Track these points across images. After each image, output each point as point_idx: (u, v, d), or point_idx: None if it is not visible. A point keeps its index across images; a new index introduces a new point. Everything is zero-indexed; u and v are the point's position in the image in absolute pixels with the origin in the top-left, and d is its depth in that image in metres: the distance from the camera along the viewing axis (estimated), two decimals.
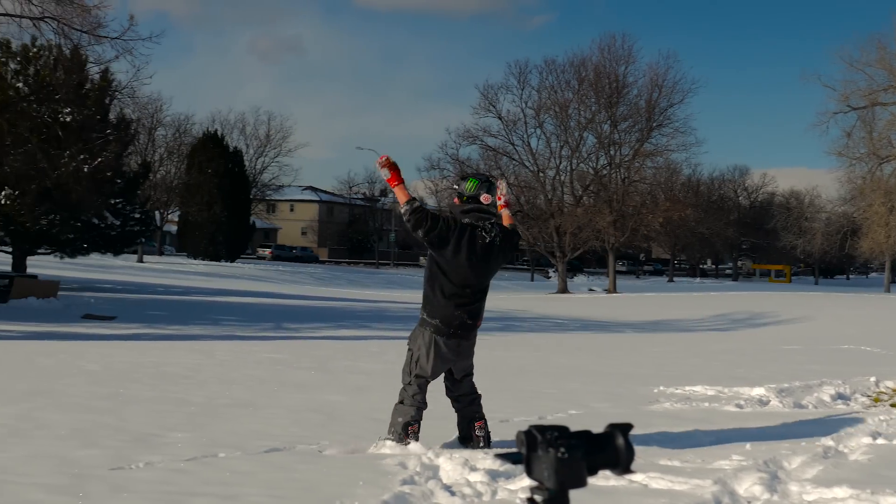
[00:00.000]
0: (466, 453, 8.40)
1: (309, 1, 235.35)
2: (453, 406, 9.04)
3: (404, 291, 63.09)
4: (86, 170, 36.01)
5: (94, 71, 38.70)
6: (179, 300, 38.17)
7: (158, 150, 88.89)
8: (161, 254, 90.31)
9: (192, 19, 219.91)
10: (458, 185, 8.93)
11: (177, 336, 23.41)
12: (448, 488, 7.32)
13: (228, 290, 48.40)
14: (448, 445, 8.82)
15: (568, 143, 77.87)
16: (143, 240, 59.41)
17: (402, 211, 8.58)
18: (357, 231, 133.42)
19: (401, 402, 8.78)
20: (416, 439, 8.63)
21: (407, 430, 8.63)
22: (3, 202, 35.47)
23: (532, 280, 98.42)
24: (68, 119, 36.26)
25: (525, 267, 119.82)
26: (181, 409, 11.17)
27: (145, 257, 77.34)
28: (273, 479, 7.52)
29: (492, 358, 20.35)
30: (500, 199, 9.20)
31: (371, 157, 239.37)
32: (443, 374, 8.89)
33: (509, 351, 22.64)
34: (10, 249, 39.76)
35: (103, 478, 7.43)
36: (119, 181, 42.06)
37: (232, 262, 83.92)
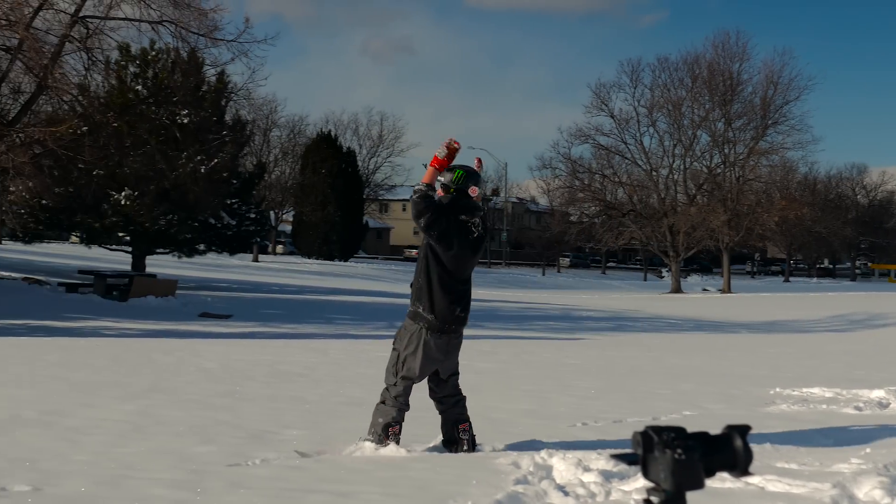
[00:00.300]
0: (580, 453, 8.34)
1: (420, 2, 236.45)
2: (437, 408, 8.74)
3: (516, 291, 63.01)
4: (202, 170, 36.64)
5: (210, 73, 39.32)
6: (294, 299, 38.58)
7: (273, 150, 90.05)
8: (275, 253, 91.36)
9: (307, 21, 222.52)
10: (443, 177, 8.46)
11: (291, 334, 23.67)
12: (561, 488, 7.29)
13: (341, 289, 48.81)
14: (433, 449, 8.71)
15: (681, 142, 77.14)
16: (259, 239, 60.15)
17: (415, 188, 8.36)
18: None
19: (382, 402, 8.50)
20: (397, 442, 8.46)
21: (388, 431, 8.41)
22: (123, 203, 36.22)
23: (645, 280, 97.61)
24: (185, 121, 36.93)
25: (638, 267, 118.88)
26: (296, 407, 11.29)
27: (260, 256, 78.31)
28: (387, 478, 7.56)
29: (604, 358, 20.24)
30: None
31: (483, 156, 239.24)
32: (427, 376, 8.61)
33: (621, 351, 22.48)
34: (130, 249, 40.57)
35: (220, 474, 7.54)
36: (235, 182, 42.67)
37: (345, 261, 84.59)
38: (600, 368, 17.74)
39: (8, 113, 31.22)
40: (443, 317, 8.36)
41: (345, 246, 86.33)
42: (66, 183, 33.65)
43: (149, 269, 39.74)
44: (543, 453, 8.27)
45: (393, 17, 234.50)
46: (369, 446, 8.38)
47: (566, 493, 7.18)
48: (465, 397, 8.75)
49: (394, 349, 8.59)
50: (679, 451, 2.09)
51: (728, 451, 2.17)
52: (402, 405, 8.47)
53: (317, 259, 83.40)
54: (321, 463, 8.12)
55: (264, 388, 12.97)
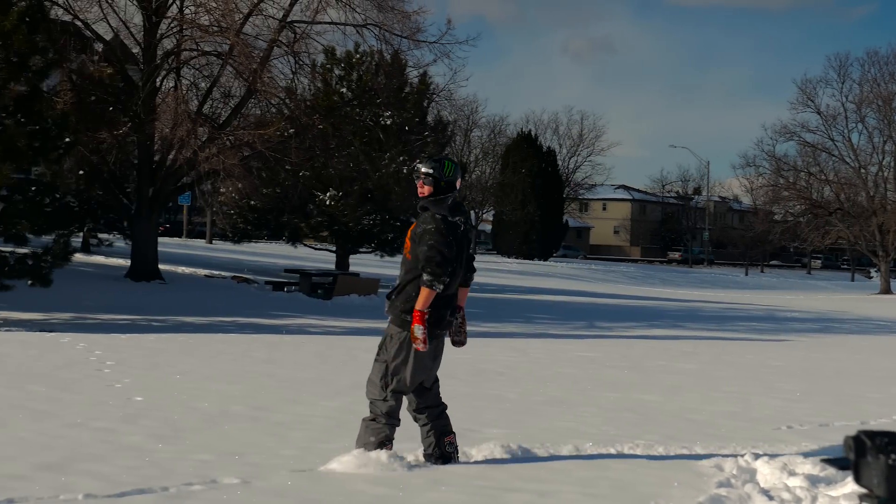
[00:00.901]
0: (784, 457, 8.17)
1: (621, 1, 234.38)
2: (417, 419, 7.96)
3: (717, 291, 61.96)
4: (405, 171, 37.09)
5: (413, 75, 39.78)
6: (494, 298, 38.74)
7: (474, 150, 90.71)
8: (475, 252, 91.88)
9: (508, 22, 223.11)
10: (433, 169, 7.72)
11: (492, 333, 23.76)
12: (766, 492, 7.16)
13: (541, 288, 48.81)
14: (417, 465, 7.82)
15: (892, 138, 74.65)
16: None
17: (437, 287, 7.48)
18: (670, 230, 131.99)
19: (373, 419, 7.74)
20: None
21: (381, 449, 7.71)
22: (328, 203, 37.00)
23: (852, 280, 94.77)
24: (389, 122, 37.49)
25: (845, 267, 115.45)
26: (496, 406, 11.35)
27: None
28: (587, 478, 7.54)
29: (809, 360, 19.75)
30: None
31: (684, 155, 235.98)
32: None
33: (827, 353, 21.89)
34: (334, 248, 41.42)
35: (421, 471, 7.64)
36: None
37: (545, 260, 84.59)
38: (805, 370, 17.32)
39: (219, 116, 32.23)
40: (435, 321, 7.65)
41: (544, 245, 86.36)
42: (274, 184, 34.57)
43: (352, 268, 40.49)
44: (747, 456, 8.13)
45: (593, 17, 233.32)
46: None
47: (770, 498, 7.05)
48: (446, 406, 8.08)
49: (378, 361, 7.79)
50: (893, 456, 2.03)
51: None
52: (396, 421, 7.80)
53: (516, 258, 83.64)
54: (520, 462, 8.15)
55: (464, 386, 13.06)
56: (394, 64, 36.17)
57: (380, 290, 32.86)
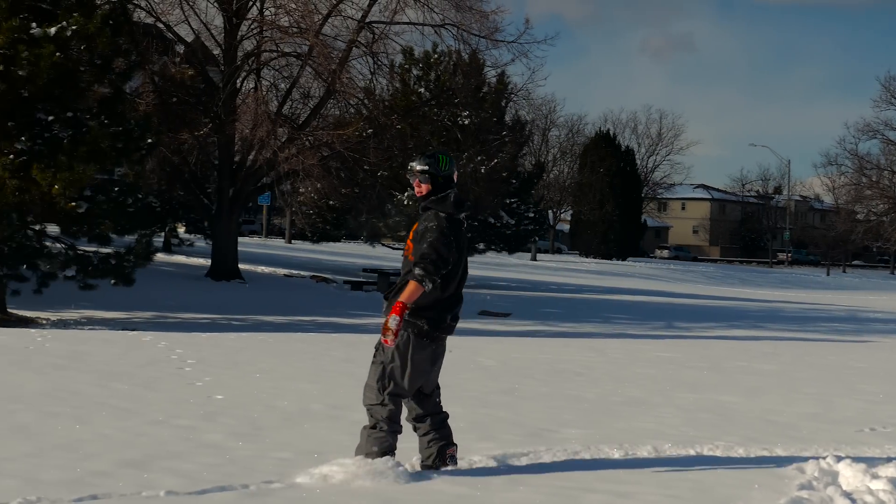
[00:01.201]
0: (868, 460, 8.06)
1: None
2: (417, 429, 7.49)
3: (798, 291, 61.24)
4: (482, 171, 37.17)
5: (491, 74, 39.87)
6: (572, 298, 38.64)
7: (552, 150, 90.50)
8: (553, 252, 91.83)
9: (586, 20, 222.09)
10: (429, 165, 7.28)
11: (570, 333, 23.71)
12: (848, 495, 7.07)
13: (620, 288, 48.57)
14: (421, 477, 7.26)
15: None
16: (538, 238, 60.52)
17: (427, 284, 6.98)
18: (750, 229, 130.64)
19: (373, 426, 7.21)
20: None
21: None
22: (406, 203, 37.15)
23: None
24: (466, 122, 37.57)
25: None
26: (575, 406, 11.31)
27: (538, 255, 78.80)
28: (666, 479, 7.49)
29: (893, 361, 19.47)
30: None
31: (764, 153, 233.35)
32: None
33: None
34: None
35: (499, 470, 7.65)
36: (514, 181, 43.13)
37: (623, 260, 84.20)
38: (888, 372, 17.06)
39: (298, 117, 32.50)
40: (435, 322, 7.21)
41: (623, 245, 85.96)
42: (352, 184, 34.82)
43: None
44: (829, 458, 8.03)
45: (673, 15, 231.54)
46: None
47: (853, 501, 6.97)
48: (448, 415, 7.58)
49: (375, 363, 7.30)
50: None
51: None
52: (398, 428, 7.27)
53: (594, 258, 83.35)
54: (598, 462, 8.12)
55: (543, 385, 13.04)
56: (472, 64, 36.23)
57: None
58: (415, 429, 7.47)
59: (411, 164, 7.45)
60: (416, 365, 7.17)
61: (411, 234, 7.30)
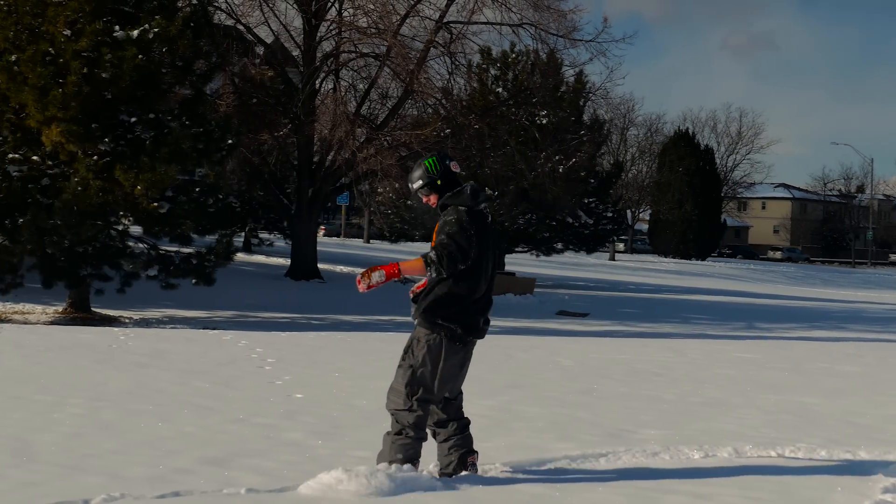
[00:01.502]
0: None
1: None
2: (438, 435, 7.17)
3: (882, 292, 60.32)
4: (560, 170, 37.09)
5: (569, 74, 39.78)
6: (650, 298, 38.43)
7: (630, 149, 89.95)
8: (632, 252, 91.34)
9: (665, 19, 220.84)
10: (421, 178, 7.03)
11: (648, 333, 23.59)
12: None
13: (699, 288, 48.20)
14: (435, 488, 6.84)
15: None
16: (615, 238, 60.26)
17: (432, 271, 6.75)
18: (831, 229, 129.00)
19: (399, 433, 6.91)
20: None
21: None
22: None
23: None
24: (544, 121, 37.49)
25: None
26: (653, 406, 11.25)
27: (616, 255, 78.42)
28: (747, 480, 7.42)
29: None
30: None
31: (847, 152, 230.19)
32: None
33: None
34: None
35: (577, 470, 7.63)
36: (592, 181, 42.99)
37: (702, 260, 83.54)
38: None
39: (376, 117, 32.65)
40: (469, 327, 6.96)
41: (702, 244, 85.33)
42: None
43: (508, 268, 40.59)
44: None
45: (754, 12, 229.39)
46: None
47: None
48: (469, 421, 7.30)
49: (402, 366, 7.01)
50: None
51: None
52: (424, 435, 6.99)
53: (673, 258, 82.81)
54: (678, 463, 8.07)
55: (621, 386, 12.99)
56: (549, 63, 36.17)
57: (535, 290, 32.87)
58: (434, 434, 7.18)
59: (409, 185, 7.26)
60: (448, 370, 6.93)
61: (434, 234, 6.99)
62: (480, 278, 6.97)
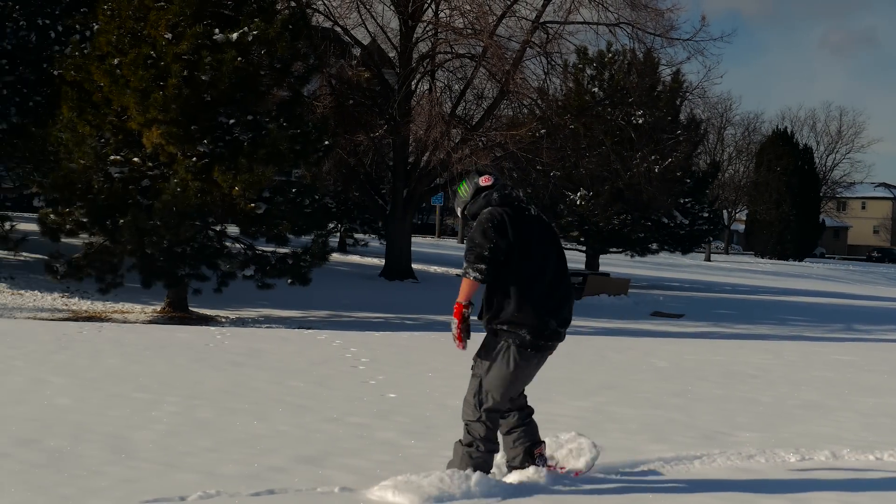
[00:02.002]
0: None
1: None
2: (501, 426, 7.00)
3: None
4: (656, 170, 36.84)
5: (665, 73, 39.53)
6: (746, 299, 38.00)
7: (727, 149, 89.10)
8: (728, 252, 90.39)
9: (763, 16, 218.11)
10: (462, 206, 7.10)
11: (744, 335, 23.34)
12: None
13: (796, 289, 47.57)
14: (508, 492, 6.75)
15: None
16: (711, 238, 59.69)
17: (468, 277, 6.65)
18: None
19: (469, 444, 6.84)
20: None
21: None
22: (578, 203, 37.05)
23: None
24: (640, 121, 37.28)
25: None
26: (749, 409, 11.15)
27: (712, 256, 77.66)
28: (845, 485, 7.35)
29: None
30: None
31: None
32: None
33: None
34: (583, 248, 41.45)
35: (669, 471, 7.60)
36: (688, 181, 42.64)
37: (800, 261, 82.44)
38: None
39: (472, 118, 32.69)
40: (537, 330, 6.70)
41: (800, 245, 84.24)
42: (525, 184, 34.86)
43: (602, 268, 40.42)
44: None
45: (855, 9, 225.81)
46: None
47: None
48: (533, 410, 7.15)
49: (474, 375, 6.92)
50: None
51: None
52: (495, 447, 6.92)
53: (770, 258, 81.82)
54: (773, 467, 8.00)
55: (716, 388, 12.89)
56: (646, 62, 35.92)
57: (630, 291, 32.69)
58: (505, 429, 7.07)
59: (456, 212, 7.30)
60: (517, 378, 6.78)
61: None
62: (536, 275, 6.74)
